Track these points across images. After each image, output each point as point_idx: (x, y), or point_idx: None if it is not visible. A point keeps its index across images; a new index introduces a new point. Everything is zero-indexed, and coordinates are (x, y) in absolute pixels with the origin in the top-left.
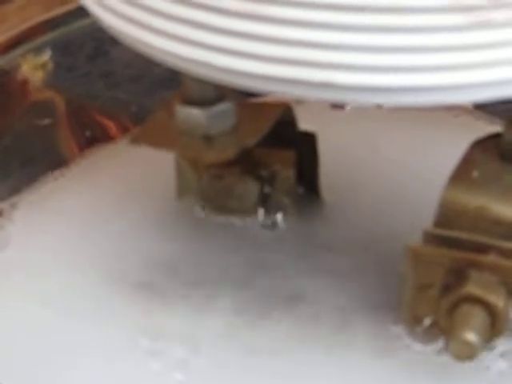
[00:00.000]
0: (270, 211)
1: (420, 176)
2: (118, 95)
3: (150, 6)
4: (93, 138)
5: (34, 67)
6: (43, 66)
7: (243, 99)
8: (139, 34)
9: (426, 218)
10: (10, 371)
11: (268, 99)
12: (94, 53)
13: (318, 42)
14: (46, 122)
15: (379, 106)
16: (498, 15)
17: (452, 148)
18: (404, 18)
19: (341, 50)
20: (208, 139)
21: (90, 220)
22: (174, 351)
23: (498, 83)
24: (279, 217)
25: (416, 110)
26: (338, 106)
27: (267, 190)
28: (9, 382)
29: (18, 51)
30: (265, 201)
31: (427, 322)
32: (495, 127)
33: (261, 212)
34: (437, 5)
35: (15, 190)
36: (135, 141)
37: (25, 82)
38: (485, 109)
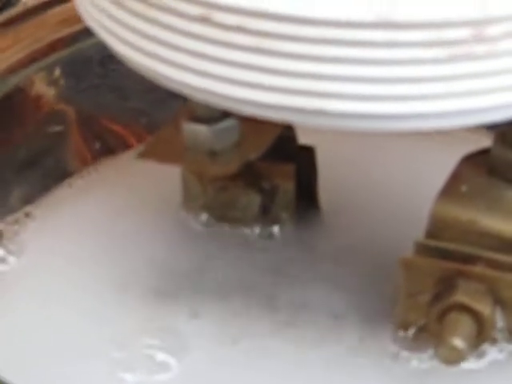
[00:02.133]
0: (268, 222)
1: (416, 188)
2: (129, 106)
3: (156, 37)
4: (104, 147)
5: (46, 83)
6: (55, 82)
7: (246, 116)
8: (144, 61)
9: (419, 228)
10: (24, 370)
11: None
12: (105, 69)
13: (311, 73)
14: (59, 133)
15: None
16: (479, 48)
17: (446, 160)
18: (391, 51)
19: (332, 81)
20: (213, 154)
21: (101, 228)
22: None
23: (481, 110)
24: (276, 228)
25: None
26: None
27: (268, 202)
28: (22, 381)
29: (32, 69)
30: (265, 212)
31: (417, 328)
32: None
33: (259, 223)
34: (423, 40)
35: (30, 199)
36: (142, 156)
37: (38, 98)
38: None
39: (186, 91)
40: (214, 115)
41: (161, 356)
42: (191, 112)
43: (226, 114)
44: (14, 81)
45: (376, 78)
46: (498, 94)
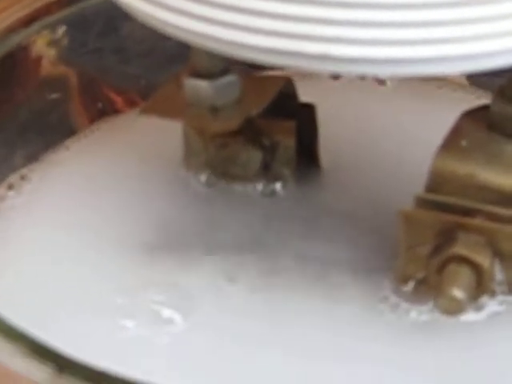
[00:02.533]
0: (270, 179)
1: (415, 145)
2: (129, 70)
3: None
4: (103, 110)
5: (48, 43)
6: (57, 42)
7: (247, 73)
8: (151, 10)
9: (420, 185)
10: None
11: (270, 73)
12: (107, 29)
13: (315, 17)
14: (59, 94)
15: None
16: None
17: (445, 118)
18: None
19: (338, 25)
20: (214, 110)
21: (98, 186)
22: (178, 304)
23: (487, 55)
24: (278, 185)
25: (413, 83)
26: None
27: (269, 159)
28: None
29: (34, 28)
30: (266, 169)
31: (417, 280)
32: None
33: (261, 181)
34: None
35: (28, 160)
36: (144, 111)
37: (39, 58)
38: (479, 85)
39: (194, 39)
40: (215, 71)
41: (166, 311)
42: (192, 68)
43: (226, 70)
44: (16, 40)
45: (382, 22)
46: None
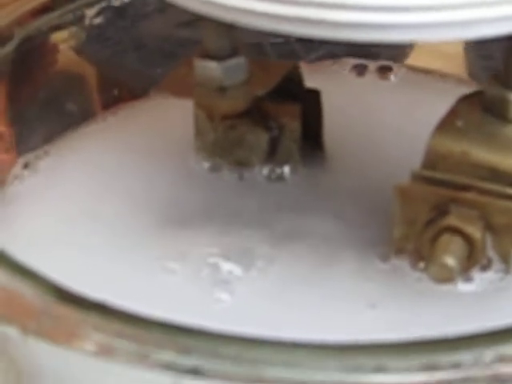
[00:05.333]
0: (276, 164)
1: (415, 128)
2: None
3: None
4: (119, 97)
5: (68, 32)
6: (76, 32)
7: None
8: None
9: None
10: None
11: None
12: (127, 23)
13: None
14: (77, 80)
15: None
16: None
17: (441, 107)
18: None
19: None
20: (222, 90)
21: (112, 169)
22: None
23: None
24: (286, 169)
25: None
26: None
27: (275, 141)
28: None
29: (56, 14)
30: (273, 153)
31: (412, 253)
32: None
33: (267, 164)
34: None
35: (45, 141)
36: (157, 90)
37: (58, 43)
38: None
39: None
40: (224, 53)
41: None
42: (203, 50)
43: (235, 53)
44: (36, 25)
45: None
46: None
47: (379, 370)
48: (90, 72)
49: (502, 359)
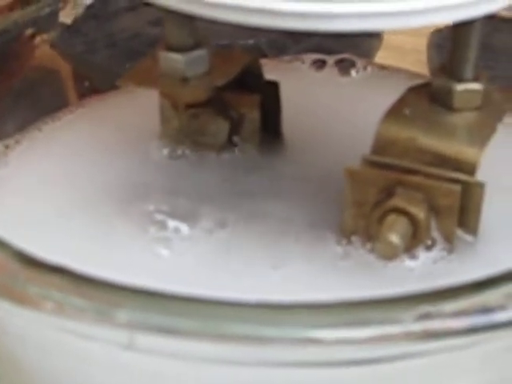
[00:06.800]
0: (237, 150)
1: (368, 119)
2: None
3: None
4: (91, 90)
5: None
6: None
7: (216, 47)
8: None
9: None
10: None
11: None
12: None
13: None
14: (52, 71)
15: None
16: None
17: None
18: None
19: None
20: (185, 80)
21: (79, 157)
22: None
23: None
24: (246, 156)
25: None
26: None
27: (235, 130)
28: None
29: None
30: (233, 140)
31: (360, 233)
32: None
33: (227, 150)
34: None
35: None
36: (124, 81)
37: (34, 35)
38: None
39: None
40: (187, 45)
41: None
42: (167, 43)
43: (197, 45)
44: (14, 17)
45: None
46: None
47: (315, 326)
48: (63, 66)
49: (428, 316)
